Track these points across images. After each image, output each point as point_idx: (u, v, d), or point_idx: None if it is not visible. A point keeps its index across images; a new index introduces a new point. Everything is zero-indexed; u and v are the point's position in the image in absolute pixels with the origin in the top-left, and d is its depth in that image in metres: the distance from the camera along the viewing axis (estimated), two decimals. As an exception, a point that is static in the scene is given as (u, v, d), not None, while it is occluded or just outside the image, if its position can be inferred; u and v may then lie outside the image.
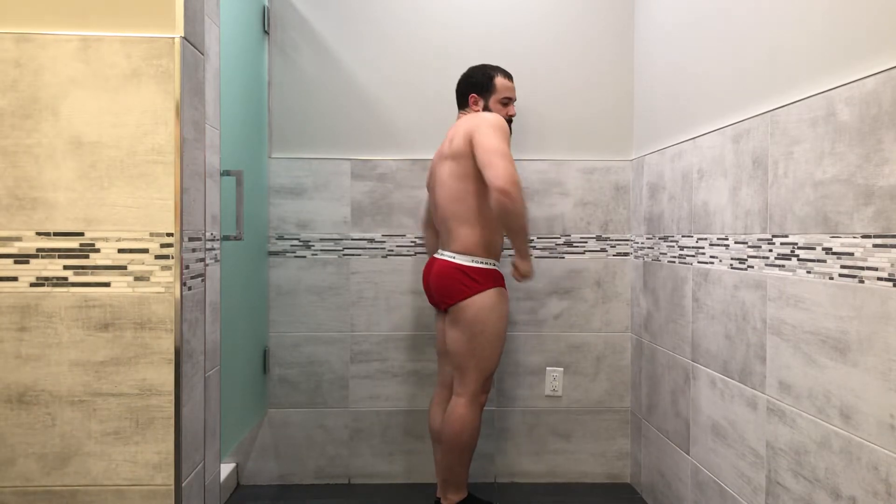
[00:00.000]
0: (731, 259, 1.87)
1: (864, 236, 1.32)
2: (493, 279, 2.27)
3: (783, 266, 1.60)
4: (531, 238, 2.75)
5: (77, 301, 1.52)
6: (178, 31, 1.53)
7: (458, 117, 2.40)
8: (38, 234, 1.51)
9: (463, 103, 2.40)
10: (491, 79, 2.35)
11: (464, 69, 2.45)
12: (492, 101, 2.35)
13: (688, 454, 2.17)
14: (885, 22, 1.28)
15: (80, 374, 1.52)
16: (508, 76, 2.39)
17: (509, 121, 2.35)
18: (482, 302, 2.23)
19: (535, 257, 2.77)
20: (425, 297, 2.71)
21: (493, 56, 2.67)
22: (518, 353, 2.78)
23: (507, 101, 2.37)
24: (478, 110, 2.33)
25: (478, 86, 2.36)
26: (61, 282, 1.51)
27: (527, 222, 2.18)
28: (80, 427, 1.53)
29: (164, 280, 1.53)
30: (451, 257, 2.27)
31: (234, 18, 2.19)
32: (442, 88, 2.69)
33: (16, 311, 1.51)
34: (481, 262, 2.26)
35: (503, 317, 2.28)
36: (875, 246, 1.29)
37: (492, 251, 2.29)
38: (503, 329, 2.29)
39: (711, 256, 2.00)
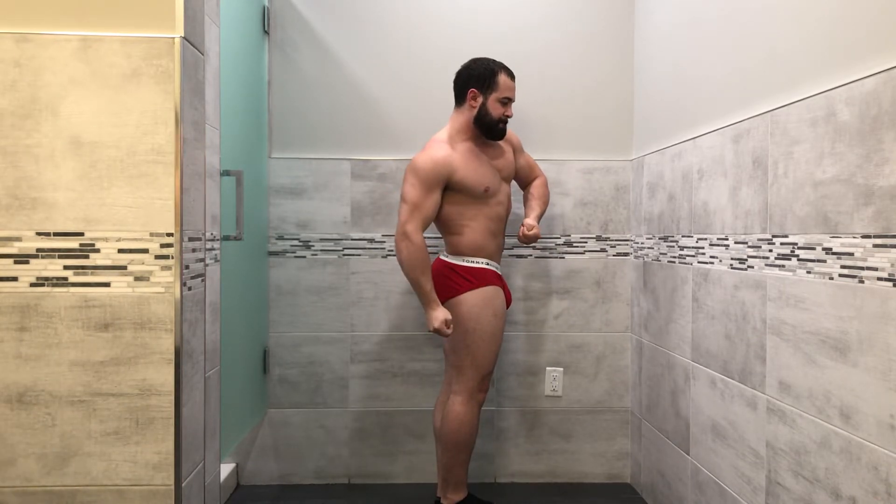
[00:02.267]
0: (731, 259, 1.87)
1: (864, 236, 1.32)
2: (485, 278, 2.28)
3: (783, 266, 1.60)
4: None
5: (77, 301, 1.52)
6: (178, 31, 1.53)
7: (451, 116, 2.36)
8: (38, 234, 1.51)
9: (461, 98, 2.32)
10: (493, 74, 2.28)
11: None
12: (491, 99, 2.27)
13: (688, 454, 2.17)
14: (885, 22, 1.28)
15: (80, 374, 1.52)
16: (511, 74, 2.31)
17: (504, 121, 2.31)
18: (474, 299, 2.25)
19: (535, 257, 2.77)
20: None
21: (494, 55, 2.66)
22: (518, 353, 2.78)
23: (507, 101, 2.29)
24: (475, 106, 2.28)
25: (478, 79, 2.28)
26: (61, 282, 1.51)
27: (416, 275, 2.19)
28: (80, 427, 1.53)
29: (164, 280, 1.53)
30: (445, 257, 2.34)
31: (234, 18, 2.19)
32: (442, 88, 2.68)
33: (16, 311, 1.51)
34: (472, 262, 2.28)
35: (497, 315, 2.29)
36: (875, 246, 1.29)
37: (483, 252, 2.32)
38: (498, 327, 2.29)
39: (711, 256, 2.00)
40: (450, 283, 2.27)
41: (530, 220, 2.38)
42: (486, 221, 2.31)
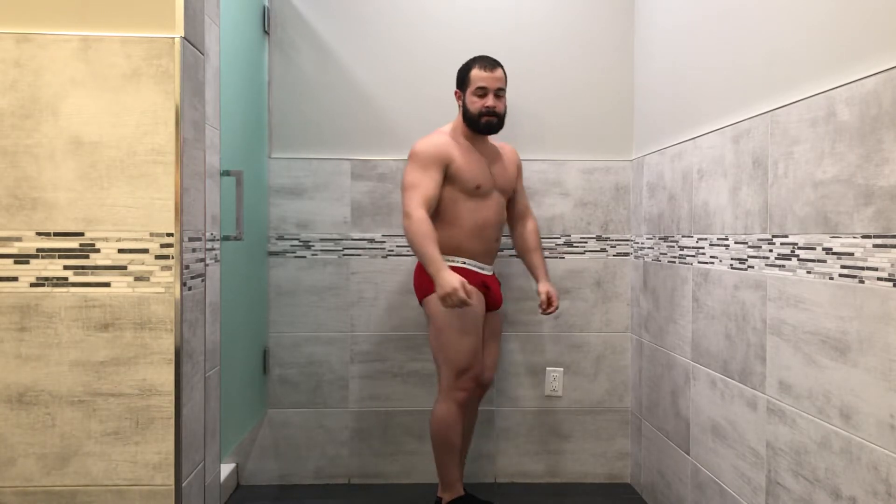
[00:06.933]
0: (732, 259, 1.87)
1: (865, 236, 1.32)
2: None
3: (783, 266, 1.60)
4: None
5: (77, 301, 1.52)
6: (178, 31, 1.53)
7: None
8: (38, 234, 1.51)
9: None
10: (467, 70, 2.32)
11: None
12: (468, 96, 2.30)
13: (688, 454, 2.17)
14: (885, 22, 1.28)
15: (80, 375, 1.52)
16: (489, 65, 2.28)
17: (488, 113, 2.27)
18: None
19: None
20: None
21: (494, 55, 2.65)
22: (518, 353, 2.78)
23: (483, 92, 2.26)
24: (461, 106, 2.34)
25: (459, 81, 2.36)
26: (61, 282, 1.51)
27: (418, 246, 2.13)
28: (80, 427, 1.53)
29: (164, 280, 1.53)
30: None
31: (234, 18, 2.19)
32: (442, 88, 2.68)
33: (16, 311, 1.51)
34: (446, 261, 2.26)
35: (467, 312, 2.22)
36: (875, 246, 1.29)
37: (463, 253, 2.32)
38: (470, 324, 2.24)
39: (711, 256, 2.00)
40: (420, 282, 2.30)
41: (550, 288, 2.40)
42: (472, 223, 2.31)
